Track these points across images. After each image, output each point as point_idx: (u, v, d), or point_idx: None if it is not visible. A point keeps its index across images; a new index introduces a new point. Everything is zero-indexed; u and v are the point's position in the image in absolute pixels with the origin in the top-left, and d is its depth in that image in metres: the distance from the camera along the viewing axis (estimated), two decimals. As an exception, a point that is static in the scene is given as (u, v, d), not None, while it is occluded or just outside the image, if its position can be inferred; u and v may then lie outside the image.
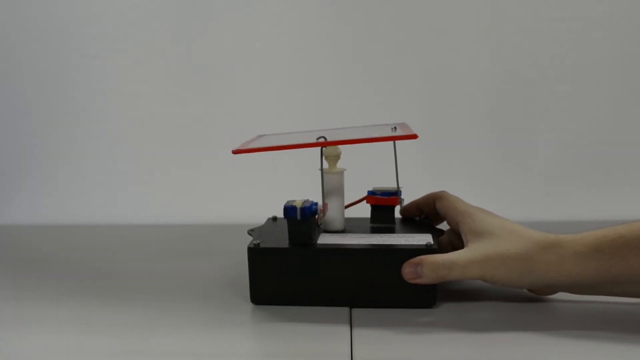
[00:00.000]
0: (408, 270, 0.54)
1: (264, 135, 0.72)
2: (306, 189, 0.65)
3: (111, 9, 0.99)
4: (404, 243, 0.57)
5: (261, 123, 0.99)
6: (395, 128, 0.61)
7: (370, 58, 1.00)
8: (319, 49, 1.00)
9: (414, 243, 0.57)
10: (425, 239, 0.58)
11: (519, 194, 0.97)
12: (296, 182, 0.87)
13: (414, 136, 0.56)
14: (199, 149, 1.00)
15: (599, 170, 0.98)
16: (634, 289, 0.53)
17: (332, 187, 0.61)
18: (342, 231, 0.62)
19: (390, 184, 0.64)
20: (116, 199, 0.99)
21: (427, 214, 0.65)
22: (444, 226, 0.64)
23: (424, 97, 1.00)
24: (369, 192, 0.64)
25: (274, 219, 0.68)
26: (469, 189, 0.97)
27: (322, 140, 0.57)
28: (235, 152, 0.58)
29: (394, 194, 0.63)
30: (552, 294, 0.58)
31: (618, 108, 0.98)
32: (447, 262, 0.53)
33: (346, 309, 0.56)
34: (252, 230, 0.63)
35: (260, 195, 0.90)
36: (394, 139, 0.58)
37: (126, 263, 0.75)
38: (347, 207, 0.63)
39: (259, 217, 0.70)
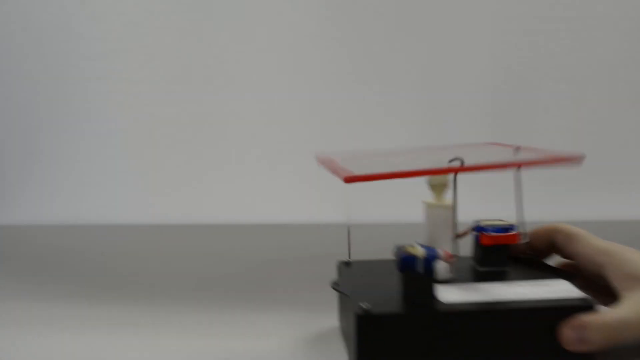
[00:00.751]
0: (570, 335, 0.43)
1: (347, 154, 0.56)
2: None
3: (112, 9, 0.99)
4: (548, 296, 0.45)
5: (261, 123, 0.99)
6: (518, 149, 0.51)
7: (370, 58, 1.00)
8: (319, 48, 1.00)
9: (561, 297, 0.45)
10: (567, 288, 0.46)
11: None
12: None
13: (577, 158, 0.46)
14: (199, 149, 1.00)
15: (599, 170, 0.98)
16: None
17: (438, 224, 0.50)
18: (450, 280, 0.48)
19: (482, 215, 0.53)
20: (117, 199, 0.99)
21: (535, 251, 0.53)
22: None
23: (423, 97, 1.00)
24: (477, 227, 0.51)
25: (347, 263, 0.53)
26: (468, 189, 0.98)
27: (457, 164, 0.45)
28: (348, 179, 0.44)
29: (510, 229, 0.50)
30: None
31: (618, 108, 0.98)
32: (619, 323, 0.42)
33: None
34: (336, 283, 0.51)
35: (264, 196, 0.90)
36: (556, 161, 0.47)
37: (106, 265, 0.74)
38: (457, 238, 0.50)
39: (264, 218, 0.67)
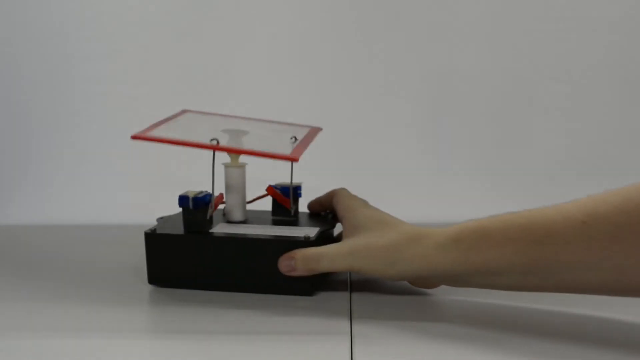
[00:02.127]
0: (284, 264, 0.57)
1: (188, 111, 0.74)
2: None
3: (111, 10, 0.99)
4: (286, 234, 0.60)
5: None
6: (295, 138, 0.64)
7: (370, 58, 1.00)
8: (318, 49, 1.00)
9: (295, 235, 0.59)
10: (308, 231, 0.60)
11: (518, 194, 0.97)
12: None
13: (294, 159, 0.59)
14: (199, 149, 1.00)
15: (599, 170, 0.98)
16: (500, 280, 0.52)
17: (232, 180, 0.64)
18: (242, 222, 0.64)
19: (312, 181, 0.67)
20: (117, 199, 0.99)
21: (331, 210, 0.66)
22: None
23: (423, 96, 1.00)
24: (271, 185, 0.66)
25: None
26: (468, 189, 0.98)
27: (214, 143, 0.60)
28: (135, 137, 0.60)
29: (295, 188, 0.66)
30: (428, 286, 0.59)
31: (618, 108, 0.98)
32: (316, 255, 0.56)
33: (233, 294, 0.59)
34: (161, 217, 0.67)
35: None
36: (272, 157, 0.60)
37: (105, 265, 0.75)
38: (250, 201, 0.66)
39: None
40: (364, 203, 0.61)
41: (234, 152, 0.63)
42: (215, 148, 0.60)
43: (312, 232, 0.60)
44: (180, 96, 1.00)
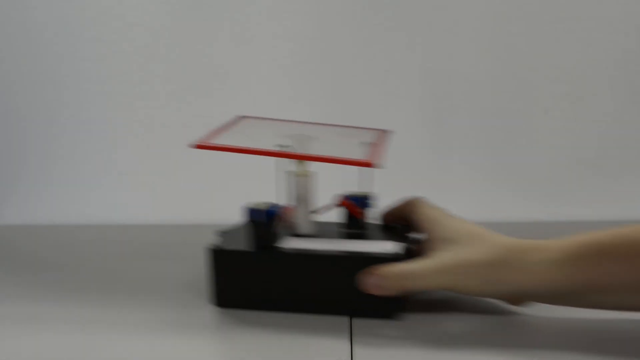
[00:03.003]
0: (371, 282, 0.52)
1: (246, 117, 0.69)
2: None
3: (110, 10, 0.99)
4: (369, 250, 0.54)
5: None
6: (366, 143, 0.58)
7: (369, 58, 1.00)
8: (319, 49, 1.00)
9: (380, 250, 0.54)
10: (392, 247, 0.55)
11: (518, 195, 0.97)
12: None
13: (368, 164, 0.52)
14: (198, 150, 1.00)
15: (599, 170, 0.98)
16: (612, 299, 0.49)
17: (300, 189, 0.59)
18: (311, 235, 0.59)
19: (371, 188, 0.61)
20: (117, 199, 0.99)
21: (404, 221, 0.61)
22: None
23: (422, 97, 1.00)
24: (341, 195, 0.61)
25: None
26: (468, 190, 0.98)
27: (286, 150, 0.55)
28: (199, 146, 0.57)
29: (367, 199, 0.60)
30: (524, 304, 0.53)
31: (618, 108, 0.98)
32: (409, 273, 0.51)
33: (305, 315, 0.54)
34: (222, 231, 0.61)
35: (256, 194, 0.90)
36: (350, 163, 0.54)
37: (111, 263, 0.75)
38: (318, 211, 0.61)
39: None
40: (448, 213, 0.56)
41: (307, 159, 0.57)
42: (286, 155, 0.55)
43: (396, 246, 0.55)
44: (180, 96, 1.00)
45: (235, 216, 0.81)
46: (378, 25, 0.99)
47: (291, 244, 0.57)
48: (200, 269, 0.66)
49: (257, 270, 0.55)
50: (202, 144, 0.57)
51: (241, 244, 0.56)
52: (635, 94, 0.98)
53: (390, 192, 0.64)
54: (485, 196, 0.97)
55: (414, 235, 0.60)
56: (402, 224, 0.62)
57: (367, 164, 0.52)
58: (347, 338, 0.51)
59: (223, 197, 0.96)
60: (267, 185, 0.80)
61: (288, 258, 0.54)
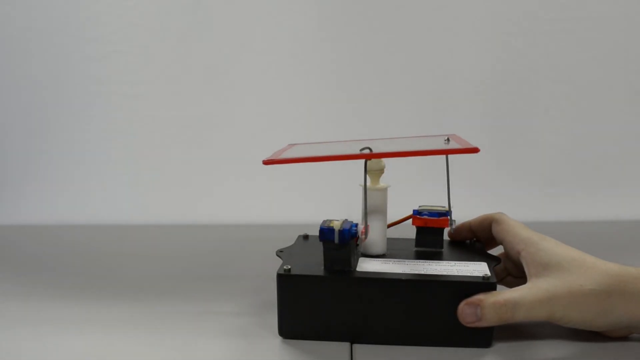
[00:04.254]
0: (466, 312, 0.47)
1: (296, 144, 0.65)
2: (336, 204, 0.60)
3: (112, 11, 0.99)
4: (456, 274, 0.49)
5: (261, 124, 0.99)
6: (448, 140, 0.53)
7: (369, 59, 1.00)
8: (318, 49, 1.00)
9: (468, 274, 0.49)
10: (480, 268, 0.50)
11: (518, 195, 0.97)
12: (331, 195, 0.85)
13: (475, 150, 0.48)
14: (198, 149, 1.00)
15: (599, 171, 0.98)
16: None
17: (374, 205, 0.54)
18: (384, 255, 0.54)
19: (437, 202, 0.57)
20: (117, 199, 0.99)
21: (479, 238, 0.58)
22: (496, 250, 0.57)
23: (421, 97, 1.00)
24: (414, 211, 0.56)
25: (305, 237, 0.60)
26: (468, 190, 0.98)
27: (367, 152, 0.50)
28: (267, 162, 0.51)
29: (443, 215, 0.55)
30: (627, 335, 0.49)
31: (617, 108, 0.98)
32: (511, 303, 0.46)
33: (389, 348, 0.49)
34: (281, 251, 0.56)
35: (277, 199, 0.91)
36: (450, 152, 0.50)
37: (104, 266, 0.74)
38: (389, 226, 0.56)
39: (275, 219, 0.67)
40: (543, 235, 0.51)
41: (398, 156, 0.50)
42: (370, 156, 0.50)
43: (483, 268, 0.50)
44: (180, 96, 1.00)
45: (236, 220, 0.82)
46: (377, 25, 0.99)
47: (368, 266, 0.51)
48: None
49: (330, 297, 0.49)
50: (270, 160, 0.51)
51: (309, 267, 0.50)
52: (635, 94, 0.98)
53: (390, 191, 0.64)
54: (485, 196, 0.97)
55: (490, 253, 0.56)
56: (472, 239, 0.58)
57: (474, 150, 0.48)
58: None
59: (229, 200, 0.96)
60: (275, 191, 0.79)
61: (367, 283, 0.49)
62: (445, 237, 0.57)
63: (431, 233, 0.56)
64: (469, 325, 0.47)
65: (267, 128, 0.98)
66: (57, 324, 0.55)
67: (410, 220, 0.56)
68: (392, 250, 0.55)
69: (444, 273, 0.49)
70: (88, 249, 0.82)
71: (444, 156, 0.54)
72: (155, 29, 0.99)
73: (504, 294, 0.47)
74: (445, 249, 0.56)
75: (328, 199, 0.88)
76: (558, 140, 0.99)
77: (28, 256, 0.80)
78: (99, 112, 1.01)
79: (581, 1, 0.97)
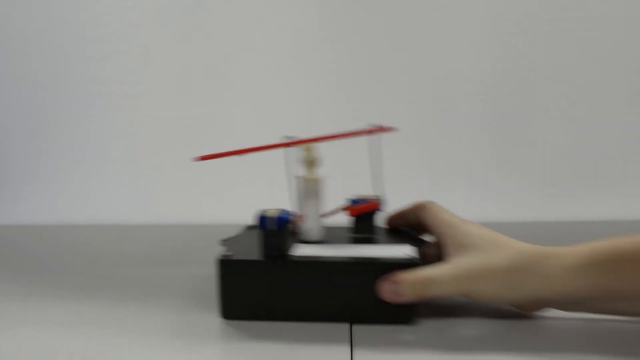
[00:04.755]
0: (386, 289, 0.50)
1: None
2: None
3: (112, 11, 0.99)
4: (384, 255, 0.53)
5: (260, 124, 0.99)
6: (377, 127, 0.57)
7: (368, 58, 1.00)
8: (318, 49, 1.00)
9: (395, 256, 0.53)
10: (407, 250, 0.54)
11: (518, 195, 0.97)
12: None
13: (392, 129, 0.52)
14: (199, 149, 1.00)
15: (599, 171, 0.98)
16: (631, 306, 0.49)
17: (309, 194, 0.58)
18: (320, 241, 0.58)
19: (375, 191, 0.61)
20: (117, 199, 0.99)
21: (413, 224, 0.61)
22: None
23: (421, 98, 1.00)
24: (349, 199, 0.61)
25: (251, 227, 0.65)
26: (468, 190, 0.98)
27: (286, 140, 0.54)
28: (203, 158, 0.56)
29: (375, 202, 0.59)
30: (539, 310, 0.53)
31: (617, 108, 0.98)
32: (427, 279, 0.50)
33: (320, 324, 0.53)
34: (225, 239, 0.60)
35: (249, 199, 0.90)
36: (365, 133, 0.54)
37: (104, 266, 0.74)
38: (325, 215, 0.59)
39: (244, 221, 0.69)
40: (464, 219, 0.54)
41: (316, 141, 0.55)
42: (292, 144, 0.54)
43: (410, 250, 0.54)
44: (180, 96, 1.00)
45: (236, 220, 0.82)
46: (377, 25, 0.99)
47: (303, 251, 0.55)
48: (205, 272, 0.66)
49: (267, 280, 0.53)
50: (204, 157, 0.56)
51: (249, 253, 0.54)
52: (636, 94, 0.98)
53: (390, 191, 0.64)
54: (485, 196, 0.97)
55: (423, 238, 0.60)
56: (408, 226, 0.62)
57: (381, 130, 0.52)
58: (349, 345, 0.50)
59: (228, 200, 0.96)
60: (274, 191, 0.80)
61: (301, 266, 0.52)
62: (382, 225, 0.62)
63: (364, 220, 0.60)
64: (389, 301, 0.50)
65: (267, 128, 0.98)
66: (57, 324, 0.55)
67: (346, 208, 0.60)
68: (328, 237, 0.59)
69: (372, 255, 0.53)
70: (88, 249, 0.82)
71: (379, 147, 0.58)
72: (155, 29, 0.99)
73: (422, 271, 0.50)
74: (379, 235, 0.60)
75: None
76: (558, 140, 0.99)
77: (28, 256, 0.80)
78: (99, 112, 1.01)
79: (581, 1, 0.97)
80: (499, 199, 0.95)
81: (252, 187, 0.97)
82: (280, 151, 0.55)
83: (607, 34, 0.97)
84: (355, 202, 0.60)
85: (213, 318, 0.55)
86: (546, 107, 0.99)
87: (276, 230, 0.53)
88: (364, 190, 0.63)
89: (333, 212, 0.60)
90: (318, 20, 0.99)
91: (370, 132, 0.54)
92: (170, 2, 0.98)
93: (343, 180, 0.66)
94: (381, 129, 0.54)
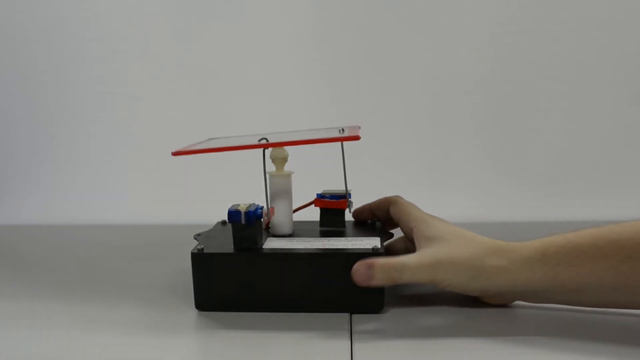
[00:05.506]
0: (360, 272, 0.53)
1: (215, 138, 0.71)
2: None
3: (112, 11, 0.99)
4: (350, 247, 0.56)
5: (261, 124, 0.99)
6: (342, 130, 0.59)
7: (368, 58, 1.00)
8: (318, 49, 1.00)
9: (361, 247, 0.56)
10: (372, 242, 0.57)
11: (517, 195, 0.97)
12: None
13: (356, 137, 0.55)
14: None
15: (599, 171, 0.98)
16: (586, 297, 0.52)
17: (278, 190, 0.60)
18: (290, 235, 0.60)
19: (340, 187, 0.63)
20: (117, 199, 0.99)
21: (379, 218, 0.64)
22: (397, 232, 0.63)
23: (421, 98, 1.00)
24: (317, 195, 0.63)
25: (224, 222, 0.67)
26: (468, 190, 0.98)
27: (264, 142, 0.57)
28: (175, 153, 0.57)
29: (343, 197, 0.62)
30: (506, 302, 0.56)
31: (617, 108, 0.98)
32: (399, 265, 0.53)
33: (290, 315, 0.55)
34: (198, 234, 0.62)
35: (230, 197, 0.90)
36: (335, 140, 0.57)
37: (90, 262, 0.75)
38: (295, 210, 0.62)
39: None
40: (432, 215, 0.58)
41: (292, 145, 0.57)
42: (266, 145, 0.57)
43: (375, 242, 0.57)
44: (180, 96, 1.00)
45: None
46: (376, 24, 0.99)
47: (273, 244, 0.57)
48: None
49: (238, 272, 0.55)
50: (178, 151, 0.58)
51: (221, 247, 0.57)
52: (636, 94, 0.98)
53: (390, 191, 0.64)
54: (485, 196, 0.97)
55: (389, 231, 0.63)
56: (372, 219, 0.65)
57: (354, 138, 0.55)
58: (346, 336, 0.51)
59: (212, 199, 0.96)
60: (251, 187, 0.81)
61: (270, 258, 0.55)
62: (350, 218, 0.64)
63: (333, 214, 0.63)
64: (361, 284, 0.53)
65: (267, 128, 0.98)
66: (57, 324, 0.55)
67: (314, 203, 0.62)
68: (298, 231, 0.61)
69: (340, 247, 0.55)
70: (88, 249, 0.82)
71: (340, 144, 0.60)
72: (155, 29, 0.99)
73: (394, 258, 0.53)
74: (347, 228, 0.63)
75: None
76: (558, 140, 0.99)
77: (28, 256, 0.80)
78: (99, 112, 1.01)
79: (581, 1, 0.97)
80: (498, 199, 0.95)
81: (252, 187, 0.97)
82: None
83: (607, 34, 0.97)
84: (322, 196, 0.63)
85: (189, 310, 0.57)
86: (545, 107, 0.99)
87: (246, 224, 0.55)
88: (335, 186, 0.64)
89: (302, 207, 0.63)
90: (318, 20, 0.99)
91: (337, 139, 0.57)
92: (170, 2, 0.99)
93: (316, 177, 0.68)
94: (346, 138, 0.56)
